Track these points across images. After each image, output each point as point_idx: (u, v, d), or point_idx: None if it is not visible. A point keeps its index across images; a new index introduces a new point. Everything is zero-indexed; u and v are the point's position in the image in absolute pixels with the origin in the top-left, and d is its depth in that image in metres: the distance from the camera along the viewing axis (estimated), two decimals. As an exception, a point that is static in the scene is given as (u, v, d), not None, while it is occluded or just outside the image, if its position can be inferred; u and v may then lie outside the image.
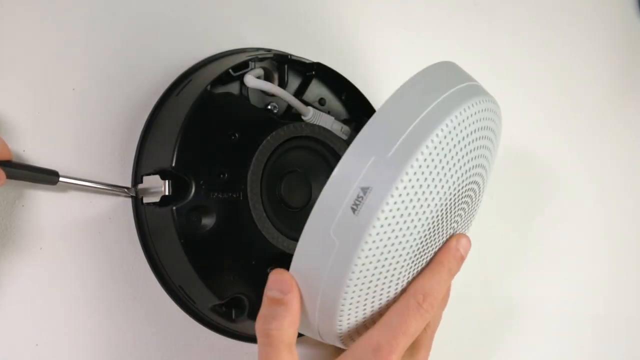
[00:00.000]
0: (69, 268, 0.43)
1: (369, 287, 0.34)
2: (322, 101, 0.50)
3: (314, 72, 0.49)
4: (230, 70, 0.44)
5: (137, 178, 0.45)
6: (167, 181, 0.42)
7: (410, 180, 0.31)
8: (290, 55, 0.48)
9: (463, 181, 0.35)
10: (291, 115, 0.48)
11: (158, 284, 0.45)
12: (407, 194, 0.31)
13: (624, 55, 0.72)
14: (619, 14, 0.72)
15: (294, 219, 0.46)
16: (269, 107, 0.47)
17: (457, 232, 0.39)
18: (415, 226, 0.33)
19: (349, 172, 0.32)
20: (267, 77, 0.48)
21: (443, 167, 0.32)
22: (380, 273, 0.33)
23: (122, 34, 0.46)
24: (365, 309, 0.35)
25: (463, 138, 0.33)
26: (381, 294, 0.35)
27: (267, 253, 0.44)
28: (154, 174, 0.43)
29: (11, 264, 0.41)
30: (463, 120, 0.33)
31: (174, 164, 0.41)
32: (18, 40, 0.43)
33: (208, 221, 0.42)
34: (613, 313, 0.68)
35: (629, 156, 0.71)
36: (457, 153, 0.33)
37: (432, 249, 0.37)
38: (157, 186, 0.42)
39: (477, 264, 0.59)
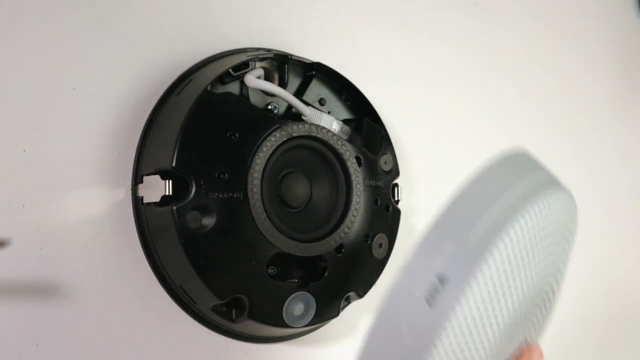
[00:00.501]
0: (69, 268, 0.43)
1: None
2: (322, 101, 0.50)
3: (314, 72, 0.49)
4: (230, 70, 0.44)
5: (137, 178, 0.45)
6: (167, 181, 0.42)
7: (490, 269, 0.29)
8: (291, 55, 0.48)
9: (541, 279, 0.33)
10: (291, 115, 0.48)
11: (158, 284, 0.45)
12: (486, 284, 0.29)
13: (624, 55, 0.72)
14: (619, 14, 0.72)
15: (294, 219, 0.46)
16: (269, 107, 0.47)
17: (529, 342, 0.36)
18: (491, 324, 0.30)
19: (425, 260, 0.29)
20: (267, 77, 0.48)
21: (523, 259, 0.30)
22: None
23: (122, 34, 0.46)
24: None
25: (543, 232, 0.31)
26: None
27: (267, 253, 0.44)
28: (154, 174, 0.43)
29: (11, 264, 0.41)
30: (544, 213, 0.31)
31: (174, 164, 0.41)
32: (18, 40, 0.43)
33: (208, 221, 0.42)
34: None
35: (629, 156, 0.71)
36: (536, 246, 0.31)
37: (503, 355, 0.35)
38: (157, 186, 0.42)
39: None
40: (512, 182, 0.32)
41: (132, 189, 0.45)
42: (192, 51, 0.49)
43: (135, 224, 0.45)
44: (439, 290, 0.28)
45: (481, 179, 0.32)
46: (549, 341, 0.62)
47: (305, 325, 0.45)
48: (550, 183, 0.33)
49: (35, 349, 0.41)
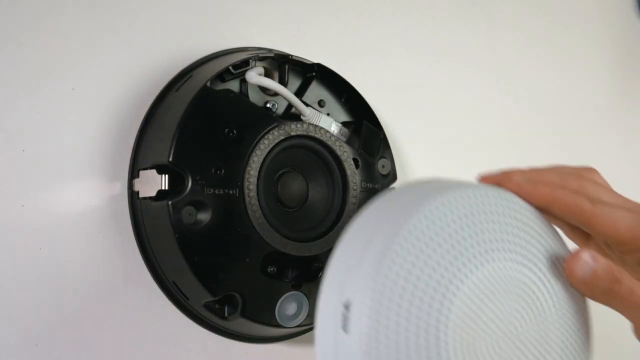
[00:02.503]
0: (68, 267, 0.43)
1: None
2: (321, 102, 0.50)
3: (314, 73, 0.49)
4: (230, 68, 0.44)
5: (134, 172, 0.45)
6: (163, 175, 0.42)
7: (387, 278, 0.31)
8: (291, 55, 0.48)
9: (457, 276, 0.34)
10: (290, 115, 0.48)
11: (152, 279, 0.45)
12: (392, 292, 0.31)
13: (624, 55, 0.72)
14: (619, 14, 0.72)
15: (289, 218, 0.46)
16: (268, 105, 0.47)
17: None
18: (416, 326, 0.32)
19: (332, 292, 0.32)
20: (268, 77, 0.48)
21: (418, 262, 0.32)
22: None
23: (123, 33, 0.47)
24: None
25: (436, 237, 0.33)
26: None
27: (262, 251, 0.43)
28: (150, 168, 0.43)
29: (11, 264, 0.41)
30: (423, 225, 0.33)
31: (171, 159, 0.41)
32: (17, 40, 0.43)
33: (203, 216, 0.41)
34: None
35: (629, 156, 0.71)
36: (440, 245, 0.33)
37: None
38: (153, 181, 0.42)
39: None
40: (398, 198, 0.35)
41: (128, 183, 0.45)
42: (192, 49, 0.49)
43: (131, 218, 0.45)
44: (348, 316, 0.31)
45: (373, 206, 0.35)
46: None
47: (299, 326, 0.45)
48: (424, 196, 0.34)
49: (35, 349, 0.41)
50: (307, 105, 0.48)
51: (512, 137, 0.64)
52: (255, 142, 0.44)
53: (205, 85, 0.42)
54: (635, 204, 0.40)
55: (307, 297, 0.45)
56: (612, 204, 0.39)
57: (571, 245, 0.41)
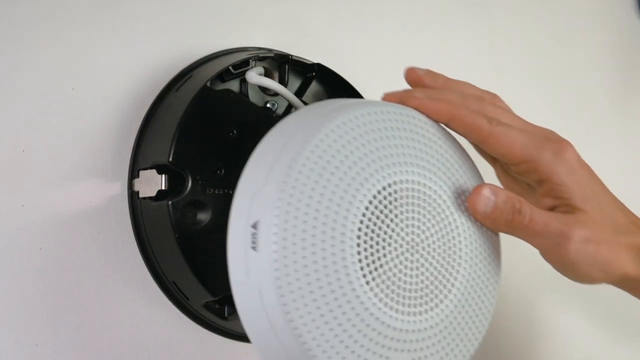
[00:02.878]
0: (68, 267, 0.43)
1: (314, 300, 0.33)
2: (321, 103, 0.50)
3: (314, 73, 0.49)
4: (230, 68, 0.44)
5: (133, 172, 0.45)
6: (163, 175, 0.42)
7: (292, 196, 0.32)
8: (291, 55, 0.48)
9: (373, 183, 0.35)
10: (290, 115, 0.48)
11: (152, 279, 0.45)
12: (297, 209, 0.32)
13: (624, 55, 0.72)
14: (619, 14, 0.72)
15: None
16: (268, 105, 0.47)
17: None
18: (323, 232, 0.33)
19: (241, 214, 0.33)
20: (268, 77, 0.48)
21: (329, 179, 0.33)
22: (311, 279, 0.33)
23: (123, 32, 0.47)
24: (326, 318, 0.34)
25: (344, 145, 0.34)
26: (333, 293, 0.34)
27: (262, 251, 0.43)
28: (150, 168, 0.43)
29: (11, 264, 0.41)
30: (334, 132, 0.34)
31: (170, 159, 0.41)
32: (17, 40, 0.43)
33: (203, 216, 0.41)
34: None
35: (629, 156, 0.71)
36: (343, 160, 0.34)
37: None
38: (153, 181, 0.42)
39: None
40: (299, 120, 0.36)
41: (128, 183, 0.45)
42: (192, 49, 0.49)
43: (131, 218, 0.45)
44: (256, 235, 0.32)
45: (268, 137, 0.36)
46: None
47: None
48: (326, 115, 0.35)
49: (35, 349, 0.41)
50: (307, 105, 0.48)
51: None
52: (255, 142, 0.44)
53: (205, 85, 0.42)
54: (535, 126, 0.42)
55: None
56: (509, 125, 0.40)
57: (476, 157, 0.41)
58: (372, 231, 0.35)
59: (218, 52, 0.49)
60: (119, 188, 0.45)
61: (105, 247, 0.44)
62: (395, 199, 0.36)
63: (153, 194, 0.42)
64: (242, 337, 0.48)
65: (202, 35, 0.50)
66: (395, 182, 0.36)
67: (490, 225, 0.39)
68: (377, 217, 0.35)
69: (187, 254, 0.41)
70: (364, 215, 0.35)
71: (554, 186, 0.40)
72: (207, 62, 0.49)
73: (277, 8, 0.54)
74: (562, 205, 0.40)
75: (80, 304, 0.43)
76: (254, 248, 0.32)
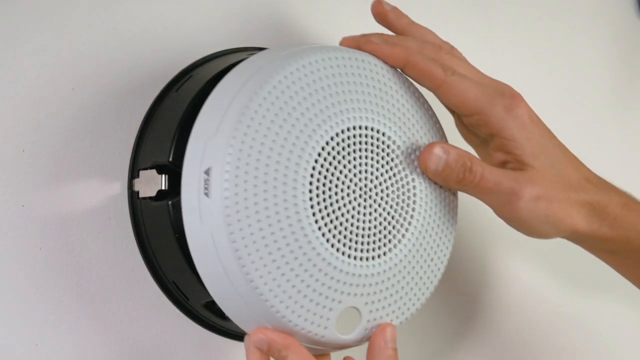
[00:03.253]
0: (68, 267, 0.43)
1: (267, 247, 0.34)
2: (321, 102, 0.50)
3: (314, 73, 0.49)
4: (230, 68, 0.44)
5: (134, 172, 0.45)
6: (163, 176, 0.42)
7: (244, 143, 0.33)
8: (291, 55, 0.48)
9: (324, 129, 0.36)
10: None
11: (152, 280, 0.45)
12: (249, 155, 0.33)
13: (624, 55, 0.72)
14: (619, 14, 0.72)
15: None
16: (268, 105, 0.47)
17: (380, 323, 0.38)
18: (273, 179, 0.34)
19: (194, 160, 0.34)
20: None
21: (281, 126, 0.34)
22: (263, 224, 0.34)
23: (123, 32, 0.47)
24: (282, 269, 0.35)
25: (297, 92, 0.35)
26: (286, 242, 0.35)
27: (262, 251, 0.43)
28: (150, 168, 0.43)
29: (11, 264, 0.41)
30: (285, 80, 0.35)
31: (170, 159, 0.41)
32: (17, 40, 0.43)
33: (203, 216, 0.41)
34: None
35: (629, 156, 0.71)
36: (295, 107, 0.35)
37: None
38: (153, 181, 0.42)
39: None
40: (247, 70, 0.36)
41: (128, 183, 0.45)
42: (192, 49, 0.49)
43: (131, 218, 0.45)
44: (208, 181, 0.33)
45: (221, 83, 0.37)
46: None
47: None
48: (279, 60, 0.36)
49: (35, 349, 0.41)
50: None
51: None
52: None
53: (205, 85, 0.42)
54: (491, 79, 0.42)
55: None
56: (464, 75, 0.40)
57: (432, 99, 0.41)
58: (325, 177, 0.36)
59: (218, 52, 0.49)
60: (119, 188, 0.45)
61: (105, 247, 0.44)
62: (349, 145, 0.37)
63: (153, 194, 0.42)
64: (242, 338, 0.48)
65: (202, 35, 0.50)
66: (349, 129, 0.37)
67: (442, 183, 0.40)
68: (330, 163, 0.36)
69: (186, 254, 0.41)
70: (316, 161, 0.35)
71: (504, 141, 0.40)
72: (207, 62, 0.49)
73: (277, 8, 0.54)
74: (512, 161, 0.40)
75: (80, 304, 0.43)
76: (206, 194, 0.33)
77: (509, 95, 0.40)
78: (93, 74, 0.45)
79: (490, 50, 0.64)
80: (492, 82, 0.42)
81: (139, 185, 0.44)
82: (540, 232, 0.40)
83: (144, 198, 0.43)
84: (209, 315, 0.45)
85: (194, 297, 0.43)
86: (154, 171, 0.42)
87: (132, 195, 0.45)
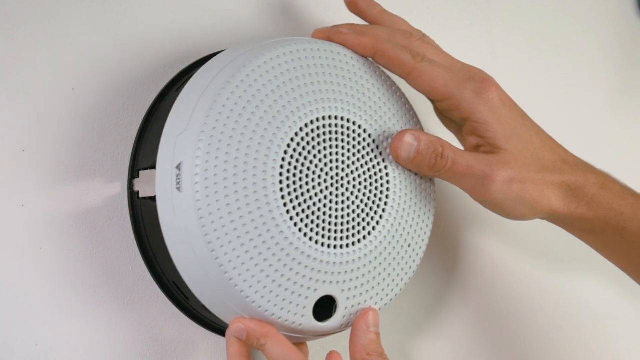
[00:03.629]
0: (68, 267, 0.43)
1: (239, 238, 0.34)
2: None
3: (314, 73, 0.49)
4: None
5: (134, 172, 0.45)
6: (163, 175, 0.42)
7: (213, 137, 0.34)
8: (291, 55, 0.48)
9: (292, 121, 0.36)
10: (290, 115, 0.48)
11: (152, 279, 0.45)
12: (218, 149, 0.34)
13: (624, 55, 0.72)
14: (619, 14, 0.72)
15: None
16: (268, 105, 0.47)
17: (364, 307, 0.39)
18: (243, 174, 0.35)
19: (166, 155, 0.35)
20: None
21: (251, 116, 0.35)
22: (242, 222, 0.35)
23: (123, 32, 0.47)
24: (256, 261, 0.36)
25: (260, 88, 0.36)
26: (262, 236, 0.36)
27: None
28: (150, 168, 0.43)
29: (11, 264, 0.41)
30: (248, 77, 0.35)
31: (171, 159, 0.41)
32: (17, 40, 0.43)
33: (203, 216, 0.41)
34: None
35: (629, 156, 0.71)
36: (260, 102, 0.35)
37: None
38: (153, 181, 0.42)
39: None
40: (214, 68, 0.37)
41: (128, 183, 0.45)
42: (192, 49, 0.49)
43: (131, 218, 0.45)
44: (180, 176, 0.34)
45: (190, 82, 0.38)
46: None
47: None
48: (248, 54, 0.37)
49: (35, 349, 0.41)
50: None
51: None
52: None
53: (205, 84, 0.42)
54: (462, 64, 0.42)
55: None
56: (434, 61, 0.41)
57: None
58: (295, 167, 0.36)
59: (218, 51, 0.49)
60: (119, 188, 0.45)
61: (105, 247, 0.44)
62: (319, 135, 0.37)
63: (153, 194, 0.42)
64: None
65: (202, 35, 0.50)
66: (318, 119, 0.37)
67: (415, 170, 0.40)
68: (300, 154, 0.36)
69: (187, 254, 0.41)
70: (285, 152, 0.36)
71: (475, 124, 0.40)
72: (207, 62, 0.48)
73: (277, 8, 0.54)
74: (485, 144, 0.40)
75: (80, 304, 0.43)
76: (178, 189, 0.34)
77: (479, 80, 0.40)
78: (93, 74, 0.45)
79: (489, 51, 0.64)
80: (464, 67, 0.42)
81: (139, 185, 0.44)
82: (516, 214, 0.40)
83: (144, 198, 0.43)
84: (209, 315, 0.45)
85: (194, 297, 0.43)
86: (154, 171, 0.42)
87: (132, 195, 0.45)
